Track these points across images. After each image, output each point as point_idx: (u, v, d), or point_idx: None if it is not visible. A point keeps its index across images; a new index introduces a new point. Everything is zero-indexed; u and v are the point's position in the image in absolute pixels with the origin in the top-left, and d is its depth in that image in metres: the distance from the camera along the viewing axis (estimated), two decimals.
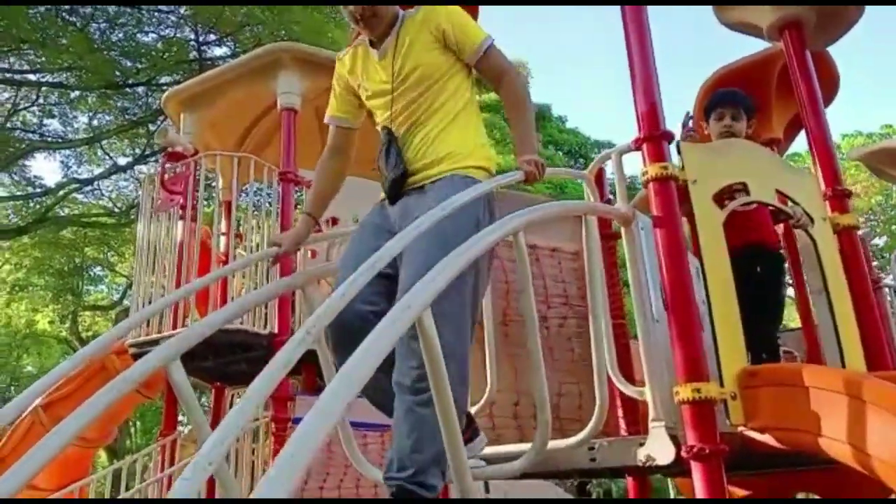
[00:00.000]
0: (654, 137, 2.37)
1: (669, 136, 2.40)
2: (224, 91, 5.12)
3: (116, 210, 18.22)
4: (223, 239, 5.44)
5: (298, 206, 4.73)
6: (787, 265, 3.85)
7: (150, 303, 4.40)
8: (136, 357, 4.64)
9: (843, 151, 18.63)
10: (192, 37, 13.90)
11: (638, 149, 2.43)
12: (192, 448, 5.05)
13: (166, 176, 4.38)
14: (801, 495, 3.54)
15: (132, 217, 17.57)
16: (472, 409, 2.73)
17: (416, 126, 2.15)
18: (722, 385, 2.18)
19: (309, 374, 5.15)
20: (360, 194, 5.12)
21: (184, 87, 5.40)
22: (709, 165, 2.48)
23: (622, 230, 2.43)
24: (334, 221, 5.14)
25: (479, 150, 2.15)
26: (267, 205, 5.39)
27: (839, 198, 2.90)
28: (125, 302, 20.93)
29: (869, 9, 3.20)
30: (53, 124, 16.49)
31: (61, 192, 17.13)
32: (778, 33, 3.21)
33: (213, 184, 6.18)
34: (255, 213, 5.56)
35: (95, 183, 17.65)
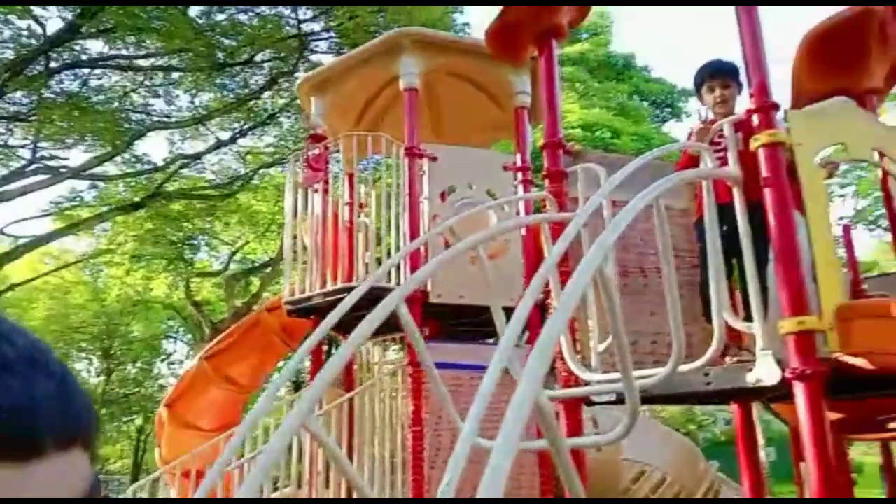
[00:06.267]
0: (764, 108, 2.77)
1: (777, 107, 2.79)
2: (350, 75, 5.71)
3: (219, 182, 19.33)
4: (347, 208, 6.06)
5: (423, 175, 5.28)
6: None
7: (303, 264, 5.14)
8: (290, 313, 5.37)
9: None
10: (288, 13, 14.57)
11: (749, 118, 2.83)
12: (334, 390, 5.78)
13: (310, 154, 5.02)
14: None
15: (235, 188, 18.82)
16: (601, 347, 3.24)
17: None
18: (821, 318, 2.60)
19: (432, 327, 5.78)
20: (473, 163, 5.67)
21: (315, 74, 6.04)
22: (811, 129, 2.85)
23: (734, 190, 2.84)
24: (447, 192, 5.64)
25: None
26: (387, 177, 5.92)
27: None
28: (231, 267, 22.47)
29: None
30: (158, 104, 17.69)
31: (170, 168, 18.36)
32: None
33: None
34: (376, 183, 6.12)
35: (201, 158, 18.82)
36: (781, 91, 3.97)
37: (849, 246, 5.85)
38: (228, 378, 6.27)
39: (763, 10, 2.92)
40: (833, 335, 2.58)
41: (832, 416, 3.78)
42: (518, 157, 5.86)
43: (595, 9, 21.32)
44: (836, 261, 2.72)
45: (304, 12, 14.23)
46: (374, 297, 2.65)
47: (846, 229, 6.16)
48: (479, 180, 5.58)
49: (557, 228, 3.45)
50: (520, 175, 5.74)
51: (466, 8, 16.35)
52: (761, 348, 2.68)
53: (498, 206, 5.22)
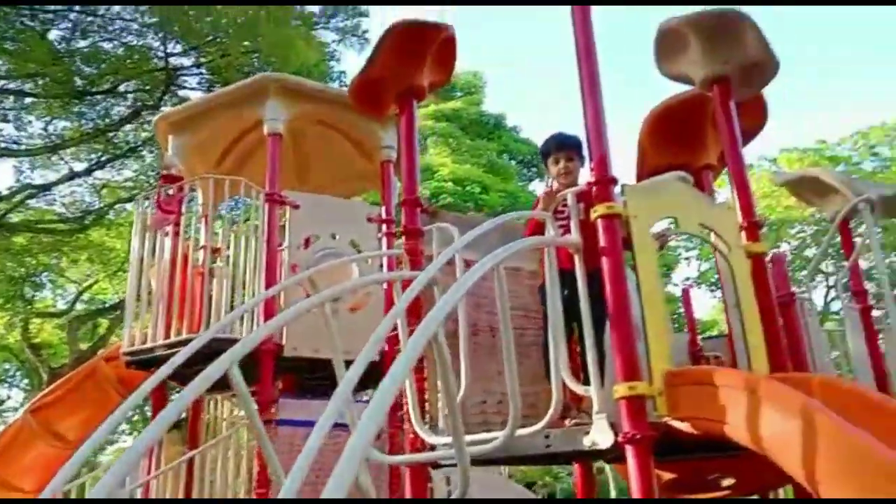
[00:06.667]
0: (603, 181, 2.92)
1: (615, 181, 2.95)
2: (212, 116, 5.52)
3: (70, 216, 18.07)
4: (201, 253, 5.78)
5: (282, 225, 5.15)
6: None
7: (148, 307, 4.82)
8: (129, 365, 5.00)
9: (779, 165, 19.82)
10: (157, 45, 14.06)
11: (590, 190, 2.98)
12: (176, 448, 5.40)
13: (161, 196, 4.77)
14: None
15: (87, 223, 17.60)
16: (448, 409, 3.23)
17: None
18: (651, 384, 2.72)
19: (287, 381, 5.59)
20: (337, 213, 5.60)
21: (174, 111, 5.79)
22: (645, 203, 3.03)
23: (575, 257, 2.96)
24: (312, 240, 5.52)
25: None
26: (245, 220, 5.74)
27: (752, 228, 3.50)
28: (77, 307, 20.80)
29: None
30: (7, 128, 16.39)
31: (15, 198, 16.96)
32: (709, 86, 3.81)
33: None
34: (234, 227, 5.90)
35: (51, 189, 17.53)
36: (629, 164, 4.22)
37: (688, 307, 6.26)
38: (56, 434, 5.71)
39: (607, 88, 3.10)
40: (662, 400, 2.70)
41: (667, 475, 3.97)
42: (383, 209, 5.86)
43: (469, 69, 22.24)
44: (667, 328, 2.88)
45: (174, 46, 13.78)
46: (213, 350, 2.54)
47: (685, 291, 6.60)
48: (343, 230, 5.51)
49: (409, 286, 3.44)
50: (384, 227, 5.72)
51: (344, 56, 16.48)
52: (596, 411, 2.76)
53: (360, 259, 5.18)
